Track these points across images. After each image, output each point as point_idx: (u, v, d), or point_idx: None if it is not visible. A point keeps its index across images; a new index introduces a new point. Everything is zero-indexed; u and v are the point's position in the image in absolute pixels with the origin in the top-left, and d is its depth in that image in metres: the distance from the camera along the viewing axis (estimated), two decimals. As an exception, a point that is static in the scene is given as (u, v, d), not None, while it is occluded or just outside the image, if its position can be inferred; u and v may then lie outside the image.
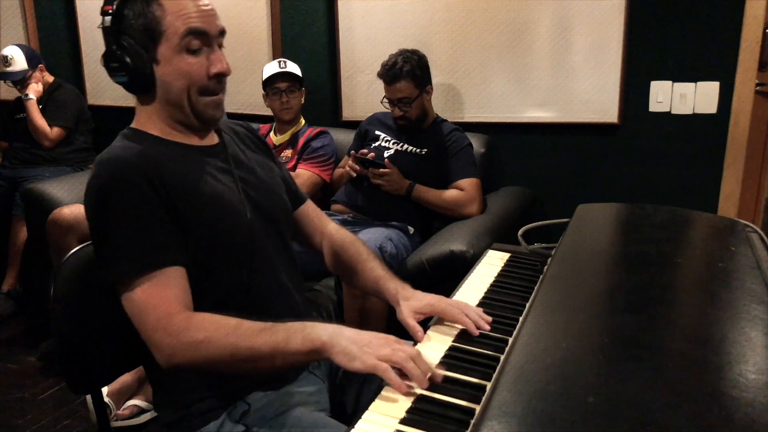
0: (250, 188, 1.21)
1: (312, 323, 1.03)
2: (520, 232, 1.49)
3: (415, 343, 1.12)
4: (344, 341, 0.98)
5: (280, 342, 1.00)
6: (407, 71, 2.37)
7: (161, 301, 1.04)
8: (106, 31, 1.12)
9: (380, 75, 2.42)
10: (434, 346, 1.11)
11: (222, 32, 1.15)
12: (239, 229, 1.16)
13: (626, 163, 2.66)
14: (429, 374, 0.98)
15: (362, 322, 2.01)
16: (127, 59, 1.10)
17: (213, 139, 1.24)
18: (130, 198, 1.05)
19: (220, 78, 1.14)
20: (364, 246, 1.38)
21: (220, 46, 1.15)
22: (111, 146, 1.15)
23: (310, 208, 1.41)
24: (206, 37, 1.11)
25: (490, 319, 1.17)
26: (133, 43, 1.09)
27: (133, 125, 1.19)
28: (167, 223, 1.07)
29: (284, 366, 1.04)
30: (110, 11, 1.10)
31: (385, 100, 2.46)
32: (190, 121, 1.16)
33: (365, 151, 2.42)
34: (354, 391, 1.25)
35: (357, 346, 0.97)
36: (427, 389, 0.97)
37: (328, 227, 1.41)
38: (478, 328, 1.14)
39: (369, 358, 0.95)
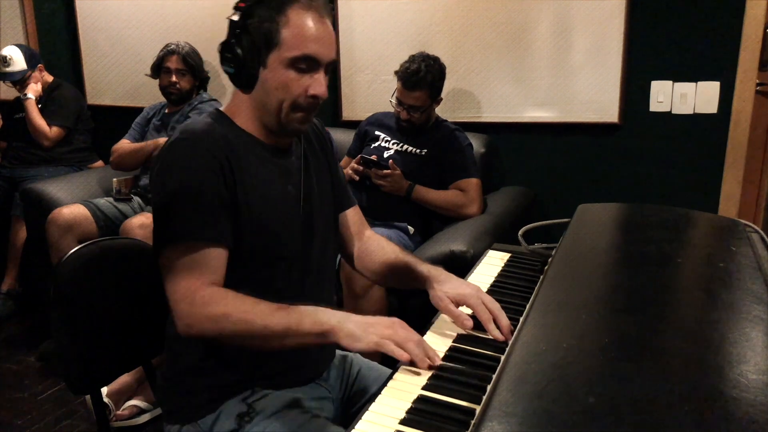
0: (309, 195, 1.26)
1: (323, 308, 1.07)
2: (520, 232, 1.49)
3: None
4: (350, 325, 1.03)
5: (292, 323, 1.05)
6: (429, 82, 2.36)
7: (195, 274, 1.09)
8: (232, 23, 1.17)
9: (399, 76, 2.40)
10: (435, 347, 1.11)
11: (333, 62, 1.19)
12: (286, 235, 1.21)
13: (626, 163, 2.66)
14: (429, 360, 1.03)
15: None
16: (240, 54, 1.15)
17: (289, 140, 1.28)
18: (200, 170, 1.11)
19: (316, 99, 1.18)
20: (394, 245, 1.40)
21: (327, 72, 1.19)
22: (196, 120, 1.21)
23: (354, 214, 1.43)
24: (316, 63, 1.16)
25: (511, 328, 1.16)
26: (251, 42, 1.14)
27: (223, 109, 1.25)
28: (225, 206, 1.13)
29: (295, 346, 1.08)
30: (242, 7, 1.16)
31: (395, 99, 2.46)
32: (274, 127, 1.21)
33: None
34: (362, 405, 1.25)
35: (361, 328, 1.03)
36: (426, 389, 0.97)
37: (366, 233, 1.43)
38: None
39: (371, 338, 1.01)
